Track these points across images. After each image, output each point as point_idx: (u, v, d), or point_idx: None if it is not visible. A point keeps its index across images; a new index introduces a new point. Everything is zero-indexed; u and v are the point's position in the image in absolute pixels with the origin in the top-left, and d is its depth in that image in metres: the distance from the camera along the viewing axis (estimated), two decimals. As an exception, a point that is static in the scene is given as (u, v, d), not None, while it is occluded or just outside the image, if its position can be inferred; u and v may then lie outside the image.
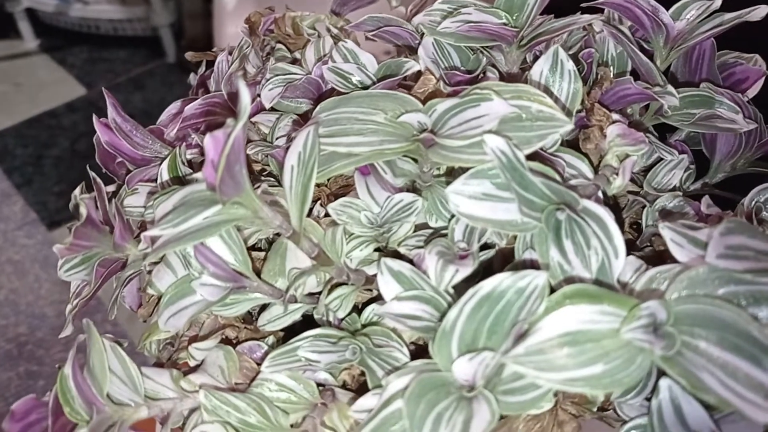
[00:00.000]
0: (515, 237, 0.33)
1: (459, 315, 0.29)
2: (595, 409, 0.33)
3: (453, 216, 0.35)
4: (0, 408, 1.37)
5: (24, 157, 2.07)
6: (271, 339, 0.36)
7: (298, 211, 0.33)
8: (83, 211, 0.33)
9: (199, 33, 2.21)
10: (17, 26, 2.46)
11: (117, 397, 0.31)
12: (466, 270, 0.31)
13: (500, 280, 0.28)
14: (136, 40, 2.40)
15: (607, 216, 0.29)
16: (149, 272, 0.37)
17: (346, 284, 0.36)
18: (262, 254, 0.38)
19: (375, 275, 0.36)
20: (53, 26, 2.48)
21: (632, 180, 0.43)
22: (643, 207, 0.40)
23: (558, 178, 0.31)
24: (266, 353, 0.35)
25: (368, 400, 0.31)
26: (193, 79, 0.54)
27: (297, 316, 0.36)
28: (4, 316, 1.60)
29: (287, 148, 0.34)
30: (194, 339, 0.36)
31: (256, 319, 0.37)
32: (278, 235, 0.38)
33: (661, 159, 0.43)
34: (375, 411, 0.29)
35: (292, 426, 0.32)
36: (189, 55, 0.52)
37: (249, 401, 0.32)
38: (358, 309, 0.36)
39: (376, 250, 0.37)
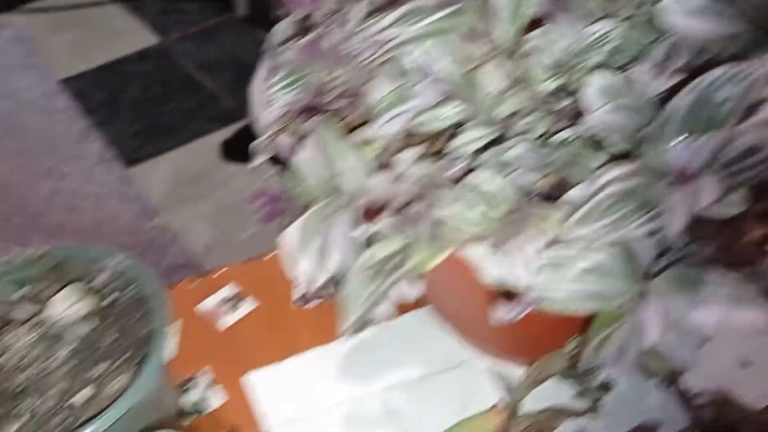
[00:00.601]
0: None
1: (676, 107, 0.31)
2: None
3: (654, 40, 0.37)
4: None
5: (100, 99, 2.13)
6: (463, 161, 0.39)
7: (511, 26, 0.35)
8: (315, 17, 0.36)
9: (270, -13, 2.25)
10: (93, -24, 2.53)
11: (347, 181, 0.34)
12: (675, 80, 0.34)
13: (722, 70, 0.31)
14: (208, -8, 2.45)
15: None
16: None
17: (538, 110, 0.39)
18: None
19: (564, 106, 0.39)
20: (127, -23, 2.53)
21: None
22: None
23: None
24: (462, 170, 0.38)
25: (578, 191, 0.34)
26: None
27: (491, 137, 0.39)
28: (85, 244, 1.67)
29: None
30: (393, 154, 0.39)
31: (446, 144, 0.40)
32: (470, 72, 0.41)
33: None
34: (588, 196, 0.32)
35: (498, 220, 0.35)
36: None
37: (460, 195, 0.35)
38: (547, 136, 0.39)
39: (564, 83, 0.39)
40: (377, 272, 0.33)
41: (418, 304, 0.62)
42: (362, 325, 0.34)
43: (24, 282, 0.50)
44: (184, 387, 0.57)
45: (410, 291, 0.36)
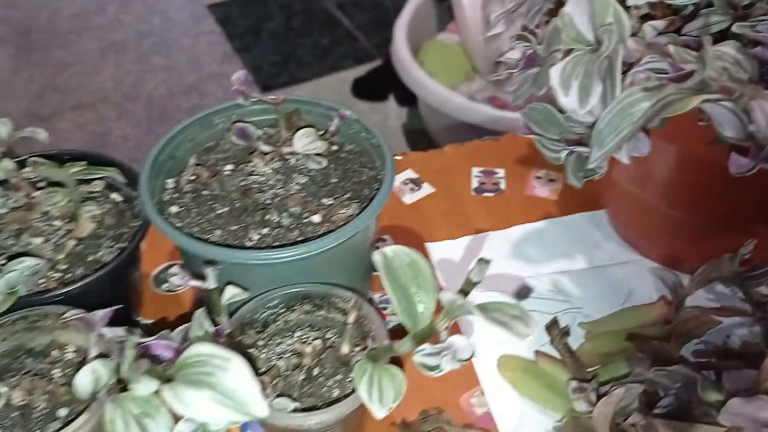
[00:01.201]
0: None
1: None
2: None
3: None
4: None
5: (243, 27, 2.24)
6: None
7: None
8: None
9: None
10: None
11: (611, 32, 0.39)
12: None
13: None
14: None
15: None
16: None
17: (779, 0, 0.42)
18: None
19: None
20: None
21: None
22: None
23: None
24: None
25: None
26: None
27: (729, 23, 0.43)
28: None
29: None
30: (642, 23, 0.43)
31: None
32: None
33: None
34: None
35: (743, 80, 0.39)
36: None
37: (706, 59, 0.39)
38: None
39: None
40: (630, 113, 0.37)
41: (593, 206, 0.67)
42: (604, 160, 0.39)
43: (263, 125, 0.58)
44: (374, 243, 0.63)
45: (644, 145, 0.41)
